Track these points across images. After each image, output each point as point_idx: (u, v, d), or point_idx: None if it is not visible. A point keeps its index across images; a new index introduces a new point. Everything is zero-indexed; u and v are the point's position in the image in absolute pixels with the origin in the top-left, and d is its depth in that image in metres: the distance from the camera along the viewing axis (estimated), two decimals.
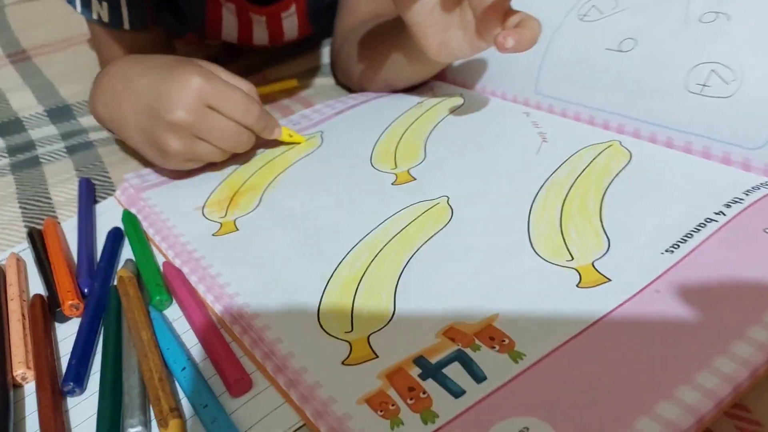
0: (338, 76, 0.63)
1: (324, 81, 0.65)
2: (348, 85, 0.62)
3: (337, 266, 0.35)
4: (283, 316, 0.32)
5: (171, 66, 0.42)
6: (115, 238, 0.41)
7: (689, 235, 0.32)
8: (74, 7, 0.57)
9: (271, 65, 0.69)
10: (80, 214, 0.44)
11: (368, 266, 0.34)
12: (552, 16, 0.49)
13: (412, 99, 0.54)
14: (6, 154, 0.58)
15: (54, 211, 0.47)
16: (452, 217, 0.37)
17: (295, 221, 0.40)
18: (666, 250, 0.31)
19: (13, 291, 0.37)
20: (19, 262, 0.40)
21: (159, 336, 0.32)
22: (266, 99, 0.62)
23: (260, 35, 0.63)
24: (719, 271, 0.29)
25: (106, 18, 0.56)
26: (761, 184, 0.35)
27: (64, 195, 0.49)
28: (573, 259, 0.32)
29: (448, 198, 0.39)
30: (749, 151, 0.36)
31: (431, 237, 0.36)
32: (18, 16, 0.96)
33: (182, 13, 0.62)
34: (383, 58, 0.53)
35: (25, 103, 0.67)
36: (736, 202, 0.33)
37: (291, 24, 0.63)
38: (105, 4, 0.56)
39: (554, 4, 0.49)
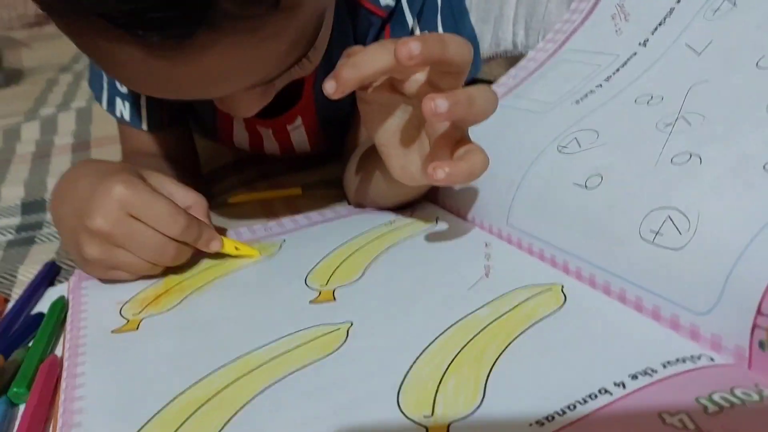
0: (344, 189, 0.63)
1: (329, 192, 0.64)
2: (348, 198, 0.60)
3: (194, 383, 0.32)
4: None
5: (108, 173, 0.41)
6: (31, 323, 0.41)
7: (571, 407, 0.26)
8: (101, 103, 0.61)
9: (285, 173, 0.70)
10: (22, 295, 0.45)
11: (223, 388, 0.31)
12: (535, 144, 0.45)
13: (386, 217, 0.51)
14: (13, 231, 0.61)
15: (10, 290, 0.48)
16: (341, 347, 0.33)
17: (196, 330, 0.37)
18: (537, 422, 0.26)
19: None
20: None
21: None
22: (265, 205, 0.61)
23: (270, 146, 0.64)
24: None
25: (127, 117, 0.59)
26: (692, 356, 0.29)
27: (30, 275, 0.50)
28: (432, 415, 0.27)
29: (351, 325, 0.35)
30: (696, 317, 0.30)
31: (305, 366, 0.32)
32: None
33: (202, 120, 0.65)
34: (370, 176, 0.52)
35: None
36: (647, 374, 0.27)
37: (299, 136, 0.63)
38: (127, 104, 0.59)
39: (540, 131, 0.46)
